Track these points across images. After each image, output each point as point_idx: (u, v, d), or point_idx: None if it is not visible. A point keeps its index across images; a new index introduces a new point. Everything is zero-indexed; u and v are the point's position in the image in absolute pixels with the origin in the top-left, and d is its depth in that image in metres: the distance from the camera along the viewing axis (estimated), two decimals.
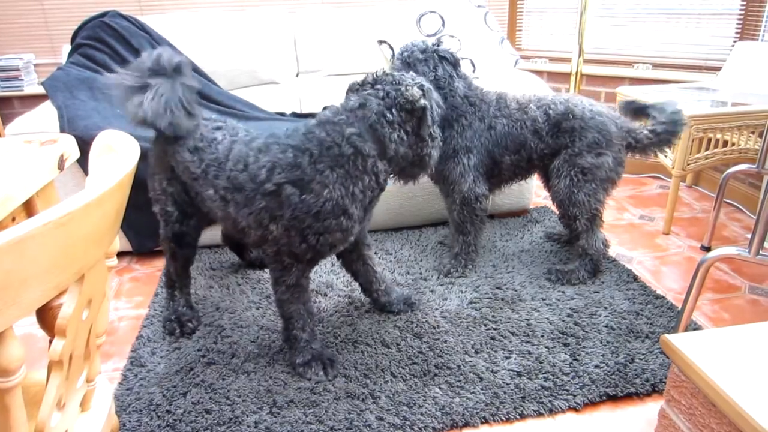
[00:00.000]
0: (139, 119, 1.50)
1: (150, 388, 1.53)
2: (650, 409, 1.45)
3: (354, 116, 1.40)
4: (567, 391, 1.48)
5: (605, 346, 1.64)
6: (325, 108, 2.55)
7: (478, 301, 1.88)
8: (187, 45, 2.79)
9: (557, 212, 2.03)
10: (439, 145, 1.53)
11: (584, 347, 1.64)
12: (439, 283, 2.00)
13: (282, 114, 2.60)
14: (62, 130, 2.10)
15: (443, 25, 2.98)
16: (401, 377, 1.54)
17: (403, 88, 1.41)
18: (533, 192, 2.59)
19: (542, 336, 1.69)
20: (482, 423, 1.40)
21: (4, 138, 1.25)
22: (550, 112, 1.89)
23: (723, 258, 1.53)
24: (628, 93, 2.57)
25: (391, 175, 1.53)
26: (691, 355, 1.00)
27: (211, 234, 2.31)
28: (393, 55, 2.98)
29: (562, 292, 1.92)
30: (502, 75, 2.85)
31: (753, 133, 2.31)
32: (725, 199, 2.75)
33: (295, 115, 2.59)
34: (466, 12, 3.04)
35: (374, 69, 3.15)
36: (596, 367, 1.56)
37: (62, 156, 1.15)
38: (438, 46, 1.91)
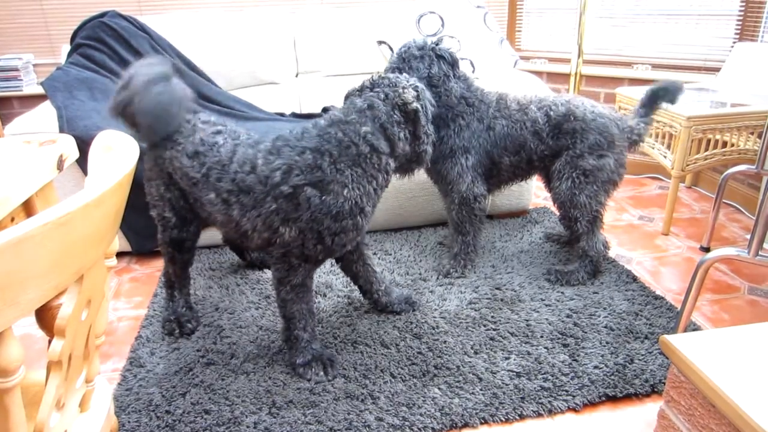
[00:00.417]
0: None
1: (149, 389, 1.52)
2: (649, 409, 1.45)
3: (365, 116, 1.43)
4: (566, 391, 1.48)
5: (604, 346, 1.64)
6: (324, 109, 2.55)
7: (478, 302, 1.88)
8: (186, 45, 2.79)
9: (558, 214, 2.03)
10: (433, 141, 1.58)
11: (583, 348, 1.64)
12: (438, 284, 2.00)
13: (281, 114, 2.60)
14: (61, 131, 2.10)
15: (443, 25, 2.98)
16: (400, 378, 1.54)
17: (400, 90, 1.46)
18: (533, 193, 2.59)
19: (541, 336, 1.69)
20: (481, 423, 1.40)
21: (3, 138, 1.25)
22: (551, 113, 1.89)
23: (722, 259, 1.53)
24: (627, 94, 2.58)
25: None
26: (691, 356, 1.00)
27: (211, 234, 2.31)
28: (392, 55, 2.98)
29: (562, 292, 1.92)
30: (502, 75, 2.86)
31: (752, 133, 2.31)
32: (724, 200, 2.75)
33: (294, 115, 2.59)
34: (465, 12, 3.04)
35: (374, 70, 3.15)
36: (595, 367, 1.56)
37: (61, 156, 1.14)
38: (437, 44, 1.91)
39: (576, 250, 2.01)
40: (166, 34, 2.78)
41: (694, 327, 1.75)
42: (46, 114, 2.20)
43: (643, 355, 1.60)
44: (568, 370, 1.55)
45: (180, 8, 3.33)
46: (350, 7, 3.38)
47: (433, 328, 1.74)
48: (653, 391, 1.49)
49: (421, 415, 1.41)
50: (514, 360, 1.59)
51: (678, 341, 1.05)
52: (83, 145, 1.77)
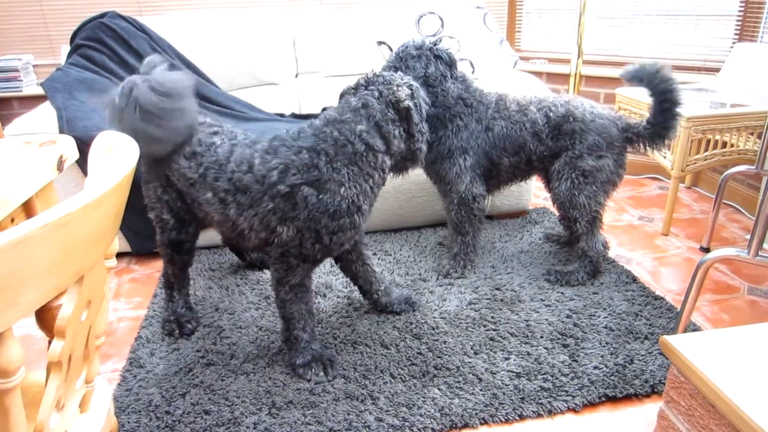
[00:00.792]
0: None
1: (149, 389, 1.52)
2: (649, 410, 1.45)
3: (359, 115, 1.43)
4: (566, 392, 1.48)
5: (604, 347, 1.64)
6: (324, 109, 2.55)
7: (477, 302, 1.88)
8: (186, 46, 2.79)
9: (557, 214, 2.03)
10: (428, 139, 1.59)
11: (583, 348, 1.64)
12: (438, 284, 2.00)
13: (281, 115, 2.60)
14: (61, 131, 2.10)
15: (442, 26, 2.98)
16: (400, 378, 1.54)
17: (394, 88, 1.47)
18: (532, 193, 2.59)
19: (541, 337, 1.69)
20: (481, 424, 1.40)
21: (3, 139, 1.25)
22: (551, 114, 1.89)
23: (722, 259, 1.53)
24: (627, 94, 2.58)
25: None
26: (690, 356, 1.00)
27: (211, 235, 2.31)
28: (391, 54, 2.98)
29: (561, 293, 1.92)
30: (502, 76, 2.86)
31: (752, 134, 2.31)
32: (724, 200, 2.75)
33: (294, 116, 2.59)
34: (465, 13, 3.04)
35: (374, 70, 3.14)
36: (595, 368, 1.56)
37: (61, 157, 1.14)
38: (435, 45, 1.91)
39: (575, 250, 2.01)
40: (165, 34, 2.78)
41: (693, 327, 1.75)
42: (45, 115, 2.20)
43: (642, 355, 1.60)
44: (568, 370, 1.55)
45: (179, 9, 3.33)
46: (350, 8, 3.38)
47: (433, 329, 1.74)
48: (653, 391, 1.49)
49: (421, 415, 1.40)
50: (514, 360, 1.59)
51: (678, 342, 1.05)
52: (83, 145, 1.77)
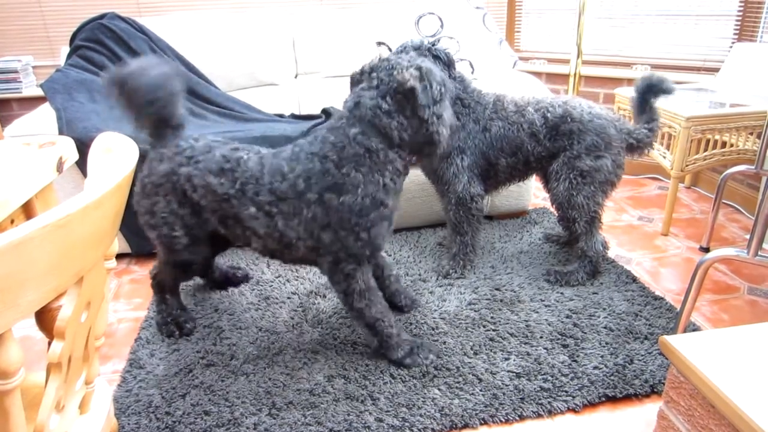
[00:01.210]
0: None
1: (149, 390, 1.52)
2: (649, 410, 1.45)
3: (353, 117, 1.43)
4: (566, 392, 1.48)
5: (604, 347, 1.64)
6: (324, 110, 2.55)
7: (477, 303, 1.88)
8: (185, 47, 2.79)
9: (556, 214, 2.03)
10: (450, 122, 1.50)
11: (583, 348, 1.64)
12: (437, 285, 2.00)
13: (280, 115, 2.60)
14: (61, 132, 2.10)
15: (442, 26, 2.98)
16: (400, 378, 1.54)
17: (395, 73, 1.41)
18: (532, 193, 2.59)
19: (541, 337, 1.69)
20: (481, 424, 1.40)
21: (2, 140, 1.25)
22: (548, 115, 1.89)
23: (722, 259, 1.53)
24: (626, 94, 2.58)
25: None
26: (690, 357, 1.00)
27: None
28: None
29: (561, 293, 1.93)
30: (501, 76, 2.86)
31: (751, 134, 2.32)
32: (724, 200, 2.75)
33: (294, 116, 2.59)
34: (464, 13, 3.05)
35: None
36: (595, 368, 1.56)
37: (61, 158, 1.15)
38: (433, 45, 1.91)
39: (575, 250, 2.01)
40: (165, 35, 2.78)
41: (693, 327, 1.75)
42: (45, 116, 2.20)
43: (642, 355, 1.60)
44: (568, 370, 1.55)
45: (179, 10, 3.33)
46: (349, 8, 3.38)
47: (433, 329, 1.74)
48: (653, 391, 1.49)
49: (421, 416, 1.41)
50: (514, 361, 1.59)
51: (677, 342, 1.05)
52: (83, 146, 1.77)
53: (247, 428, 1.38)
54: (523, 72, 2.98)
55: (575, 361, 1.59)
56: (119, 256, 2.34)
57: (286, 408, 1.44)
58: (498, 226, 2.48)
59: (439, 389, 1.49)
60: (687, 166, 2.28)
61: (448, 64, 1.92)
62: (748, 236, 2.35)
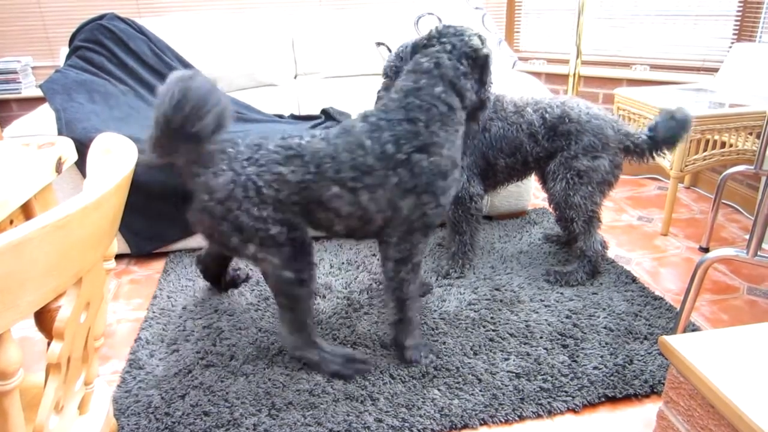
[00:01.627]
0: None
1: (148, 391, 1.52)
2: (649, 410, 1.45)
3: (434, 77, 1.48)
4: (566, 392, 1.48)
5: (604, 347, 1.64)
6: (323, 111, 2.55)
7: (477, 303, 1.88)
8: (185, 47, 2.79)
9: (554, 215, 2.04)
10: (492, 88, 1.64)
11: (583, 349, 1.64)
12: (437, 285, 2.00)
13: (280, 116, 2.60)
14: (60, 133, 2.10)
15: None
16: (400, 379, 1.53)
17: (466, 38, 1.51)
18: (531, 193, 2.59)
19: (541, 337, 1.69)
20: (481, 424, 1.40)
21: (2, 141, 1.25)
22: (547, 115, 1.89)
23: (721, 259, 1.53)
24: (625, 94, 2.58)
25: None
26: (690, 357, 1.00)
27: None
28: (390, 54, 2.98)
29: (561, 293, 1.93)
30: (500, 76, 2.86)
31: (751, 134, 2.32)
32: (723, 200, 2.75)
33: (293, 117, 2.60)
34: (464, 14, 3.05)
35: (373, 71, 3.14)
36: (595, 368, 1.56)
37: (60, 159, 1.15)
38: None
39: (574, 250, 2.01)
40: (164, 36, 2.78)
41: (693, 327, 1.75)
42: (44, 116, 2.20)
43: (642, 355, 1.60)
44: (568, 370, 1.55)
45: (178, 10, 3.33)
46: (349, 9, 3.38)
47: (433, 329, 1.74)
48: (652, 391, 1.49)
49: (420, 416, 1.40)
50: (514, 361, 1.59)
51: (677, 342, 1.05)
52: (82, 147, 1.77)
53: (247, 429, 1.38)
54: (523, 72, 2.98)
55: (575, 361, 1.59)
56: (118, 257, 2.34)
57: (286, 408, 1.44)
58: (497, 227, 2.48)
59: (438, 390, 1.49)
60: (686, 166, 2.28)
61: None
62: (747, 236, 2.36)
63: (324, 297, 1.95)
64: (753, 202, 2.58)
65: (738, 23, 2.75)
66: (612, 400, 1.48)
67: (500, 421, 1.41)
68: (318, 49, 3.00)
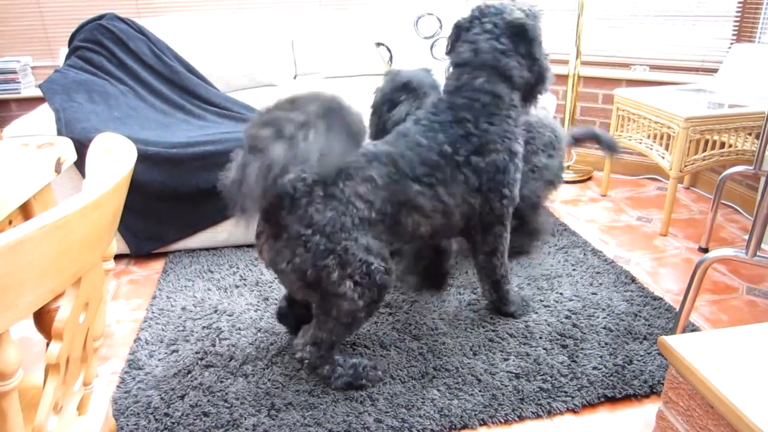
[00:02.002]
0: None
1: (148, 391, 1.52)
2: (648, 410, 1.45)
3: (473, 68, 1.49)
4: (565, 392, 1.48)
5: (603, 347, 1.64)
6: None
7: (476, 303, 1.88)
8: (184, 48, 2.80)
9: None
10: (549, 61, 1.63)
11: (582, 349, 1.64)
12: None
13: None
14: (59, 133, 2.09)
15: (441, 27, 2.98)
16: (399, 379, 1.53)
17: (506, 14, 1.50)
18: None
19: (540, 338, 1.69)
20: (481, 425, 1.40)
21: (1, 141, 1.25)
22: None
23: (720, 259, 1.53)
24: (625, 95, 2.58)
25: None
26: (689, 357, 1.00)
27: (210, 235, 2.31)
28: (391, 57, 2.99)
29: (560, 293, 1.93)
30: None
31: (750, 134, 2.32)
32: (722, 201, 2.75)
33: None
34: (463, 14, 3.05)
35: (372, 71, 3.14)
36: (594, 368, 1.56)
37: (59, 159, 1.14)
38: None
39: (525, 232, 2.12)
40: (164, 36, 2.79)
41: (692, 328, 1.75)
42: (44, 116, 2.20)
43: (641, 356, 1.60)
44: (567, 371, 1.55)
45: (178, 10, 3.33)
46: (349, 9, 3.38)
47: (432, 330, 1.74)
48: (652, 392, 1.49)
49: (420, 416, 1.40)
50: (513, 361, 1.59)
51: (676, 342, 1.05)
52: (81, 147, 1.77)
53: (246, 429, 1.38)
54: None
55: (574, 361, 1.59)
56: (118, 257, 2.34)
57: (286, 409, 1.44)
58: None
59: (438, 390, 1.49)
60: (686, 166, 2.28)
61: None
62: (746, 236, 2.36)
63: None
64: (752, 203, 2.58)
65: (737, 24, 2.75)
66: (611, 400, 1.48)
67: (500, 422, 1.41)
68: (318, 50, 3.00)
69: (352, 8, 3.45)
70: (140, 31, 2.70)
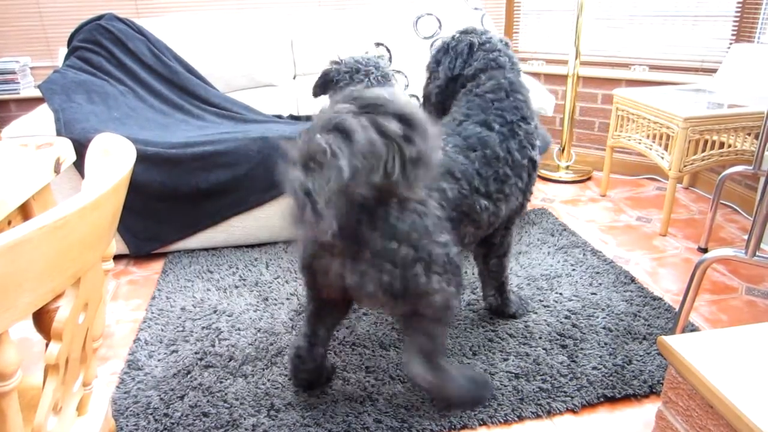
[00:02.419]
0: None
1: (147, 392, 1.52)
2: (648, 410, 1.45)
3: (494, 74, 1.56)
4: (565, 392, 1.48)
5: (603, 347, 1.64)
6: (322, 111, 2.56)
7: (476, 303, 1.88)
8: (183, 48, 2.79)
9: None
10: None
11: (582, 349, 1.64)
12: None
13: (279, 116, 2.60)
14: (59, 134, 2.09)
15: (440, 27, 2.98)
16: (399, 379, 1.53)
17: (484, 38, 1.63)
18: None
19: (540, 338, 1.69)
20: (480, 425, 1.40)
21: (0, 141, 1.25)
22: None
23: (720, 259, 1.54)
24: (624, 95, 2.58)
25: None
26: (688, 357, 1.00)
27: (210, 235, 2.31)
28: (390, 57, 2.99)
29: (560, 294, 1.93)
30: None
31: (749, 134, 2.32)
32: (722, 201, 2.76)
33: (292, 117, 2.60)
34: (463, 14, 3.05)
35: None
36: (594, 368, 1.56)
37: (58, 159, 1.14)
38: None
39: None
40: (163, 37, 2.78)
41: (692, 328, 1.75)
42: (43, 117, 2.20)
43: (641, 356, 1.61)
44: (567, 371, 1.55)
45: (177, 11, 3.33)
46: (348, 9, 3.38)
47: None
48: (651, 392, 1.49)
49: (420, 416, 1.40)
50: (513, 361, 1.59)
51: (676, 342, 1.05)
52: (80, 147, 1.77)
53: (246, 430, 1.38)
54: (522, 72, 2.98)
55: (574, 361, 1.59)
56: (117, 257, 2.34)
57: (285, 409, 1.44)
58: None
59: None
60: (685, 166, 2.28)
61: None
62: (746, 236, 2.36)
63: None
64: (751, 203, 2.58)
65: (737, 24, 2.76)
66: (611, 400, 1.48)
67: (499, 422, 1.41)
68: (317, 50, 3.00)
69: (352, 8, 3.45)
70: (139, 31, 2.70)
